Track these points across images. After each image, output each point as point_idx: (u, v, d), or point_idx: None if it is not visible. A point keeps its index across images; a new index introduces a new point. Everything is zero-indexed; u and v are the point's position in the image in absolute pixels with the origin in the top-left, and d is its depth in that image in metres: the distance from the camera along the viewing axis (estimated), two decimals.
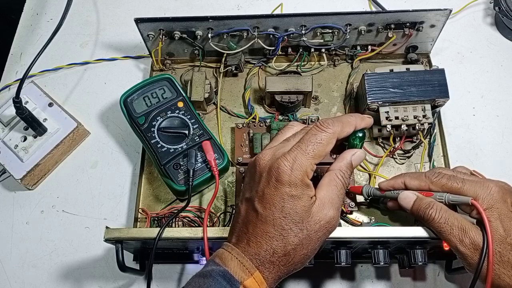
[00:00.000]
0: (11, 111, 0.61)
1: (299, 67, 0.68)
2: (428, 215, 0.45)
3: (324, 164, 0.60)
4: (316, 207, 0.42)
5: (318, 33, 0.64)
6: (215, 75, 0.69)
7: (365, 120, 0.47)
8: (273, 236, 0.41)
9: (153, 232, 0.48)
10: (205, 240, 0.47)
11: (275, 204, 0.41)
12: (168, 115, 0.60)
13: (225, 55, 0.66)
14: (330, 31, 0.63)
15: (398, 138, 0.60)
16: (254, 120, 0.64)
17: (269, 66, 0.69)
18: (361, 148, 0.48)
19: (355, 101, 0.65)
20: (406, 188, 0.50)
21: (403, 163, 0.62)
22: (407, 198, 0.49)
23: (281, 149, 0.43)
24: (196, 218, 0.58)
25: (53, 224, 0.62)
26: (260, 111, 0.66)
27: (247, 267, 0.40)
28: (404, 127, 0.57)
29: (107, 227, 0.49)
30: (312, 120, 0.60)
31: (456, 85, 0.66)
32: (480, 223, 0.44)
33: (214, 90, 0.67)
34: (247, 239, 0.42)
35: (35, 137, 0.64)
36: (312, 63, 0.69)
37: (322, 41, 0.64)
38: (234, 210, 0.59)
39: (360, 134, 0.47)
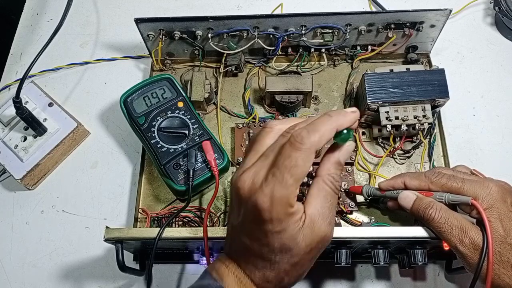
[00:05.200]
0: (11, 111, 0.61)
1: (299, 67, 0.68)
2: (428, 215, 0.45)
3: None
4: (306, 228, 0.38)
5: (318, 33, 0.64)
6: (215, 75, 0.69)
7: (348, 117, 0.39)
8: (263, 266, 0.39)
9: (153, 232, 0.48)
10: (205, 240, 0.47)
11: (260, 239, 0.38)
12: (168, 115, 0.60)
13: (225, 55, 0.66)
14: (330, 31, 0.63)
15: (398, 138, 0.60)
16: (254, 120, 0.64)
17: (269, 66, 0.69)
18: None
19: (355, 101, 0.65)
20: (406, 188, 0.50)
21: (403, 163, 0.62)
22: (407, 198, 0.49)
23: (260, 171, 0.38)
24: (196, 218, 0.58)
25: (53, 224, 0.62)
26: (260, 111, 0.66)
27: (245, 283, 0.39)
28: (404, 127, 0.57)
29: (107, 227, 0.49)
30: None
31: (456, 85, 0.66)
32: (480, 223, 0.44)
33: (214, 90, 0.67)
34: (238, 263, 0.40)
35: (35, 137, 0.64)
36: (312, 63, 0.69)
37: (322, 41, 0.64)
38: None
39: (345, 132, 0.40)
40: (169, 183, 0.57)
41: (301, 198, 0.57)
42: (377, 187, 0.54)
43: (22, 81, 0.57)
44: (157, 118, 0.60)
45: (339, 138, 0.40)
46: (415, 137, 0.61)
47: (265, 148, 0.40)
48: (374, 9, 0.75)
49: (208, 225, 0.56)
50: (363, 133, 0.64)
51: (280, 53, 0.67)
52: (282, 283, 0.39)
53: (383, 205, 0.58)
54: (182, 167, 0.57)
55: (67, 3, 0.61)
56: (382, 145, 0.63)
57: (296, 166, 0.36)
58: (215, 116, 0.66)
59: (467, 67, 0.70)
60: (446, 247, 0.46)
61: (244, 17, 0.61)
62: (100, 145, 0.67)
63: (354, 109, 0.40)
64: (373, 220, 0.58)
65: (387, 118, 0.57)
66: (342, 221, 0.58)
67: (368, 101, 0.57)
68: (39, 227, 0.62)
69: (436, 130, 0.63)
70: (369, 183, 0.60)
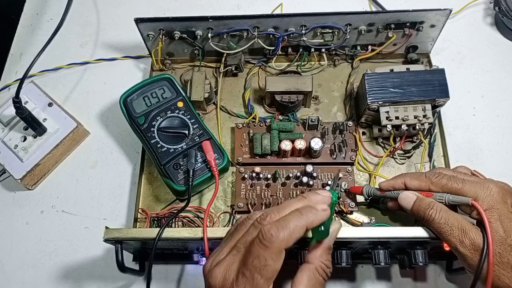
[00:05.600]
0: (11, 111, 0.61)
1: (299, 67, 0.68)
2: (428, 216, 0.45)
3: (323, 164, 0.60)
4: None
5: (318, 33, 0.64)
6: (215, 75, 0.69)
7: (319, 216, 0.39)
8: None
9: (153, 232, 0.48)
10: (205, 240, 0.47)
11: None
12: (168, 115, 0.60)
13: (225, 55, 0.66)
14: (330, 31, 0.63)
15: (398, 138, 0.60)
16: (254, 120, 0.64)
17: (269, 66, 0.69)
18: (330, 224, 0.41)
19: (355, 101, 0.65)
20: (406, 188, 0.50)
21: (403, 163, 0.62)
22: (407, 198, 0.49)
23: (231, 267, 0.38)
24: (196, 218, 0.58)
25: (53, 224, 0.62)
26: (260, 111, 0.66)
27: None
28: (404, 127, 0.57)
29: (107, 227, 0.49)
30: (312, 120, 0.60)
31: (456, 85, 0.66)
32: (480, 224, 0.44)
33: (214, 90, 0.67)
34: None
35: (35, 137, 0.64)
36: (312, 63, 0.69)
37: (322, 41, 0.64)
38: (233, 211, 0.59)
39: (322, 228, 0.39)
40: (169, 183, 0.57)
41: None
42: (377, 187, 0.54)
43: (22, 81, 0.57)
44: (157, 118, 0.60)
45: (317, 236, 0.40)
46: (415, 137, 0.61)
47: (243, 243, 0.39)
48: (374, 9, 0.75)
49: (208, 225, 0.56)
50: (363, 133, 0.64)
51: (280, 53, 0.67)
52: None
53: (383, 206, 0.58)
54: (182, 167, 0.57)
55: (67, 3, 0.61)
56: (382, 145, 0.63)
57: (266, 266, 0.36)
58: (215, 116, 0.66)
59: (467, 67, 0.70)
60: (446, 247, 0.46)
61: (244, 17, 0.61)
62: (100, 145, 0.67)
63: (325, 206, 0.40)
64: (373, 220, 0.58)
65: (387, 118, 0.57)
66: (342, 221, 0.58)
67: (368, 101, 0.57)
68: (39, 227, 0.62)
69: (436, 130, 0.62)
70: (369, 183, 0.60)
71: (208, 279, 0.38)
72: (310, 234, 0.41)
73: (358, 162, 0.61)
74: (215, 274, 0.38)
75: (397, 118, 0.57)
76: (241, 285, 0.36)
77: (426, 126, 0.58)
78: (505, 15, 0.68)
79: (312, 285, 0.39)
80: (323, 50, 0.66)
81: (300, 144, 0.58)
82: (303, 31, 0.62)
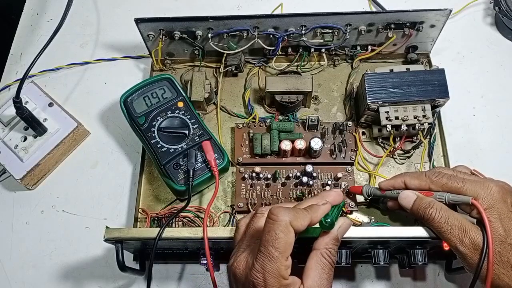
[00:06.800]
0: (11, 111, 0.61)
1: (299, 67, 0.68)
2: (428, 215, 0.45)
3: (323, 164, 0.60)
4: None
5: (318, 33, 0.64)
6: (215, 75, 0.69)
7: (319, 212, 0.42)
8: None
9: (153, 232, 0.48)
10: (205, 240, 0.47)
11: None
12: (168, 115, 0.60)
13: (225, 55, 0.66)
14: (330, 31, 0.63)
15: (398, 138, 0.60)
16: (254, 120, 0.64)
17: (269, 66, 0.69)
18: (336, 218, 0.44)
19: (355, 101, 0.65)
20: (406, 187, 0.50)
21: (403, 163, 0.62)
22: (407, 198, 0.49)
23: (254, 251, 0.40)
24: (196, 218, 0.58)
25: (53, 224, 0.62)
26: (260, 111, 0.66)
27: None
28: (404, 127, 0.57)
29: (107, 227, 0.49)
30: (312, 120, 0.60)
31: (456, 85, 0.66)
32: (480, 223, 0.44)
33: (214, 90, 0.67)
34: None
35: (35, 137, 0.64)
36: (312, 63, 0.69)
37: (322, 41, 0.64)
38: (233, 211, 0.59)
39: (328, 220, 0.42)
40: (169, 183, 0.57)
41: (301, 198, 0.57)
42: (377, 187, 0.54)
43: (22, 81, 0.57)
44: (157, 118, 0.60)
45: (322, 227, 0.43)
46: (415, 137, 0.61)
47: (256, 232, 0.43)
48: (374, 9, 0.75)
49: (208, 225, 0.56)
50: (363, 133, 0.64)
51: (280, 53, 0.67)
52: None
53: (383, 205, 0.58)
54: (182, 167, 0.57)
55: (67, 3, 0.61)
56: (382, 145, 0.63)
57: (277, 238, 0.38)
58: (215, 116, 0.66)
59: (467, 67, 0.70)
60: (446, 247, 0.46)
61: (244, 17, 0.61)
62: (100, 145, 0.67)
63: (324, 200, 0.44)
64: (373, 220, 0.58)
65: (387, 118, 0.57)
66: None
67: (368, 101, 0.57)
68: (39, 227, 0.62)
69: (436, 130, 0.63)
70: (369, 183, 0.60)
71: (232, 266, 0.41)
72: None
73: (358, 162, 0.61)
74: (239, 259, 0.41)
75: (396, 118, 0.57)
76: (260, 259, 0.38)
77: (426, 126, 0.58)
78: (505, 15, 0.68)
79: (320, 267, 0.41)
80: (323, 50, 0.66)
81: (300, 144, 0.58)
82: (303, 31, 0.62)
